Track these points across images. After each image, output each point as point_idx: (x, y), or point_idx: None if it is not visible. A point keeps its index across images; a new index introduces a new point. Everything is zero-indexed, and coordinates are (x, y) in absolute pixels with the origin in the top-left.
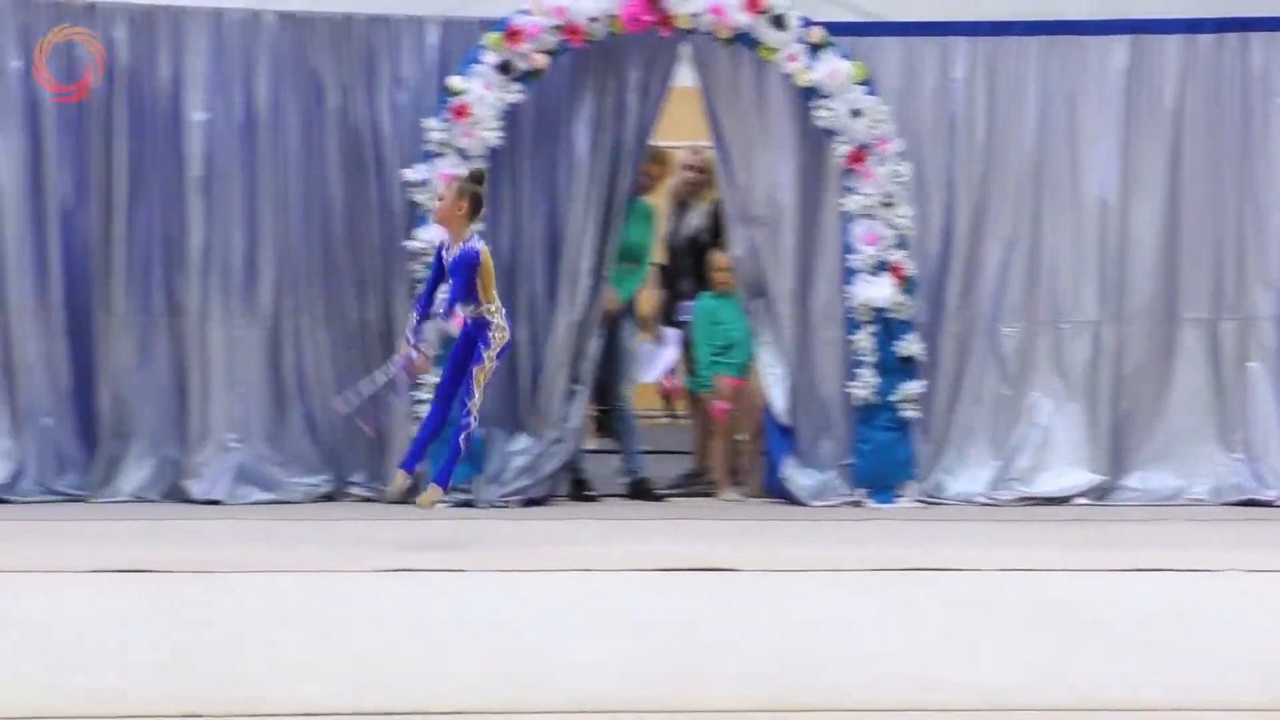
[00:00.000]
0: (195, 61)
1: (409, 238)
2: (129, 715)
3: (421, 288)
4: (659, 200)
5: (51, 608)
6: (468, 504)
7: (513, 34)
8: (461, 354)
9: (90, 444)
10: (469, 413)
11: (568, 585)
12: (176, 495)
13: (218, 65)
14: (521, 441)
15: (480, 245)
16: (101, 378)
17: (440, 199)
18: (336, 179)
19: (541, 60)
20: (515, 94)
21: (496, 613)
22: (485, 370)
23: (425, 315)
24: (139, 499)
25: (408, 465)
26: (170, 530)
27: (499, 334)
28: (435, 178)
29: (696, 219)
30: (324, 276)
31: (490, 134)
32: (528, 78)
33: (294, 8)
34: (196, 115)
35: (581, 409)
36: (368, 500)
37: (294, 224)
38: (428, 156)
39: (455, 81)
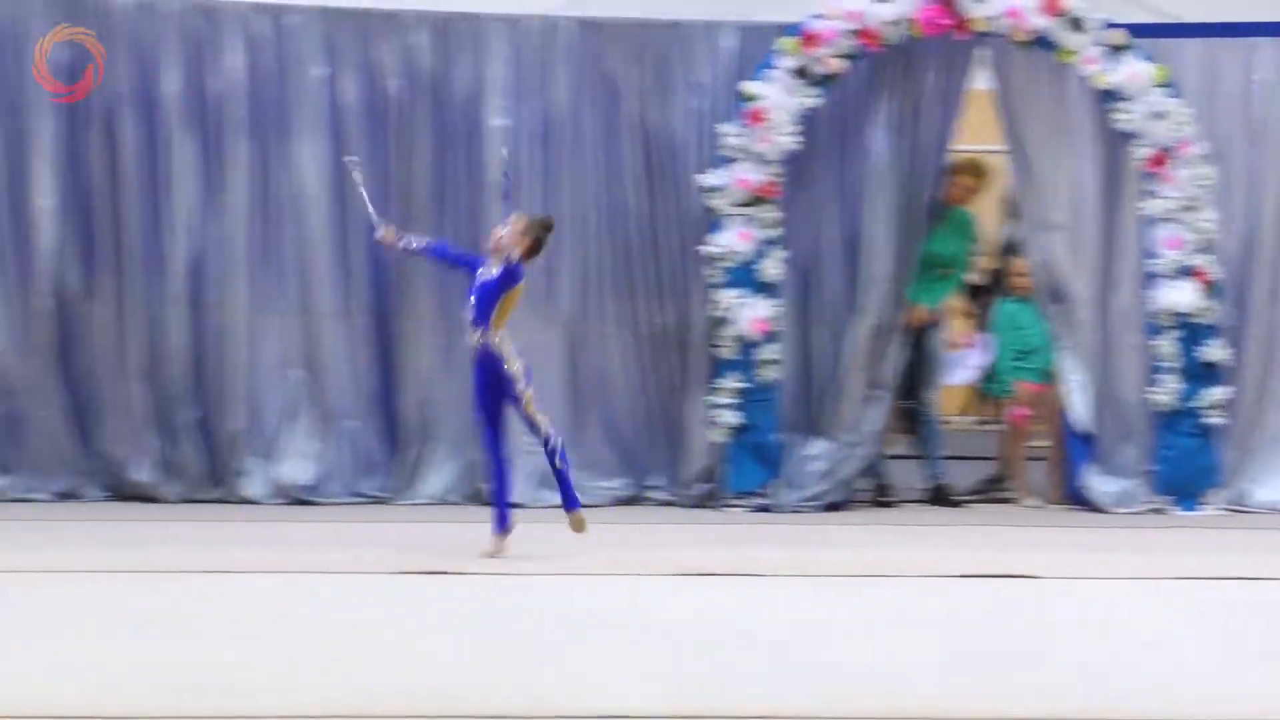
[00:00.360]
0: (494, 68)
1: (705, 243)
2: (438, 715)
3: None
4: (979, 210)
5: (354, 608)
6: (765, 509)
7: (809, 39)
8: (486, 390)
9: (394, 447)
10: (547, 439)
11: (865, 591)
12: (478, 498)
13: (516, 71)
14: (818, 446)
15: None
16: (405, 382)
17: (506, 226)
18: (632, 184)
19: (838, 65)
20: (811, 98)
21: (794, 617)
22: (529, 401)
23: (429, 250)
24: (441, 502)
25: (500, 527)
26: (469, 534)
27: (515, 364)
28: (732, 182)
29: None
30: (621, 281)
31: (786, 138)
32: (824, 82)
33: (591, 14)
34: (495, 121)
35: (880, 414)
36: (667, 504)
37: (591, 228)
38: (723, 161)
39: (751, 86)
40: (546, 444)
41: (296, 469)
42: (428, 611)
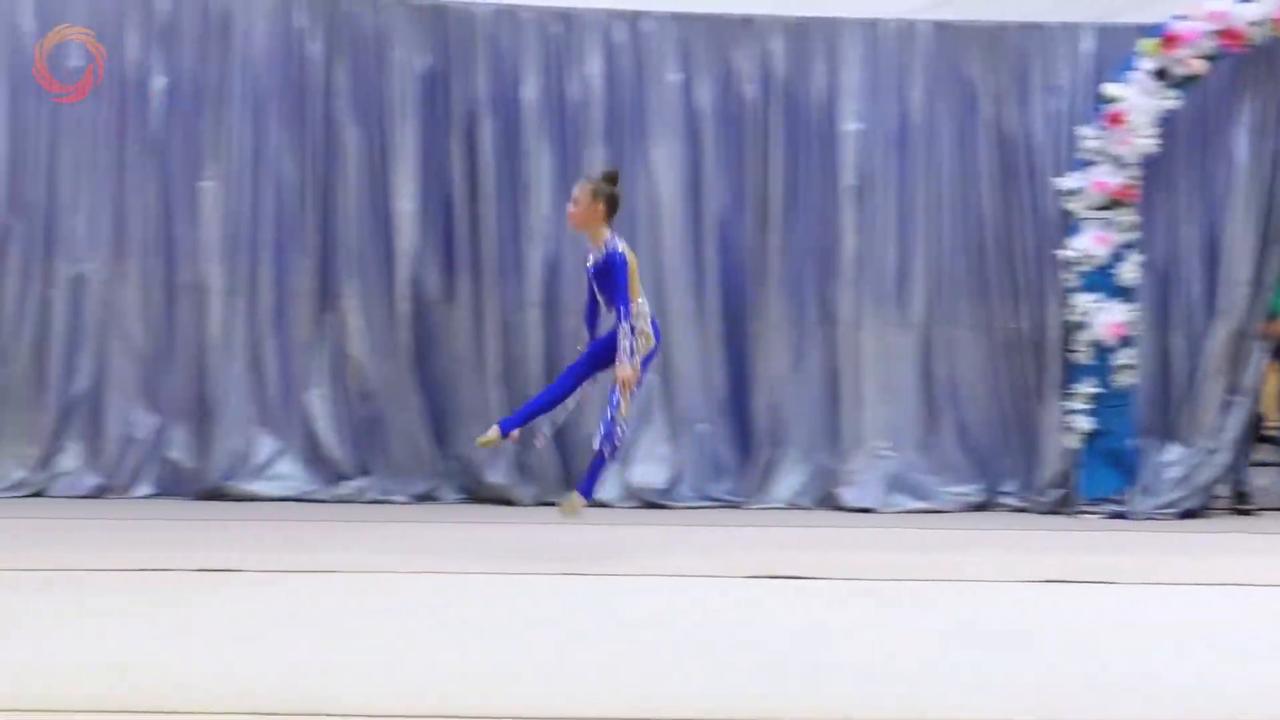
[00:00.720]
0: (849, 72)
1: (1061, 246)
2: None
3: None
4: None
5: (708, 612)
6: (1119, 515)
7: (1170, 40)
8: (605, 344)
9: (745, 450)
10: (614, 421)
11: (1223, 599)
12: (829, 503)
13: (872, 75)
14: (1174, 452)
15: (622, 246)
16: (756, 385)
17: (574, 202)
18: (988, 188)
19: (1199, 66)
20: (1171, 100)
21: (1150, 623)
22: (627, 382)
23: (594, 326)
24: (791, 506)
25: (505, 425)
26: (820, 538)
27: (642, 340)
28: (1089, 185)
29: None
30: (975, 285)
31: (1146, 141)
32: (1185, 83)
33: (947, 17)
34: (850, 125)
35: (1240, 420)
36: (1019, 510)
37: (945, 232)
38: (1081, 164)
39: (1111, 88)
40: (609, 422)
41: (649, 472)
42: (776, 617)
